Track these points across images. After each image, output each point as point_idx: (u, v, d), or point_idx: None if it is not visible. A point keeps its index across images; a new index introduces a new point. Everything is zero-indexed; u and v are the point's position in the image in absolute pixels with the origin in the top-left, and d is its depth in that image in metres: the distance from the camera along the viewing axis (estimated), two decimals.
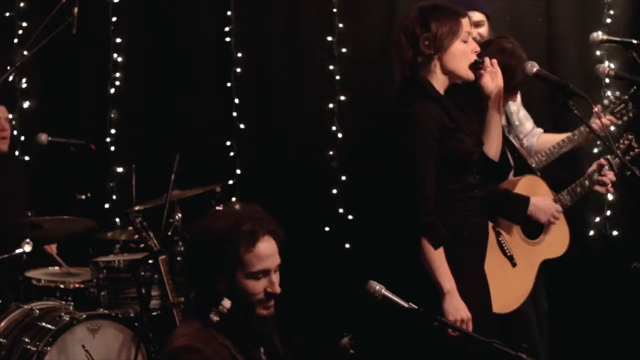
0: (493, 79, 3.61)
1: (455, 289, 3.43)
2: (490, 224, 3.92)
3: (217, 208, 5.15)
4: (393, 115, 3.61)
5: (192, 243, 2.79)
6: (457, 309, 3.42)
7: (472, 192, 3.58)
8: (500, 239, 3.94)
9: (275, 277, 2.72)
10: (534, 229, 4.11)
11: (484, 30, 4.63)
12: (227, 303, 2.65)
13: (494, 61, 3.61)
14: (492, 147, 3.68)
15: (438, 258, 3.43)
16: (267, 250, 2.68)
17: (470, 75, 3.59)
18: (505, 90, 3.72)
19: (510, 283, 3.92)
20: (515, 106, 4.63)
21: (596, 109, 4.30)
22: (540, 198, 4.00)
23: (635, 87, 4.39)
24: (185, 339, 2.65)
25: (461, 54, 3.56)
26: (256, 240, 2.66)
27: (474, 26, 4.32)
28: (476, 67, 3.58)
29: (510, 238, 3.98)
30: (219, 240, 2.65)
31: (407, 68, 3.59)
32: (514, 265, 3.95)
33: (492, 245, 3.90)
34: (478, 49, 3.62)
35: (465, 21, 3.58)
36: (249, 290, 2.66)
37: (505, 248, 3.94)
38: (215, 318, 2.66)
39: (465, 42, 3.57)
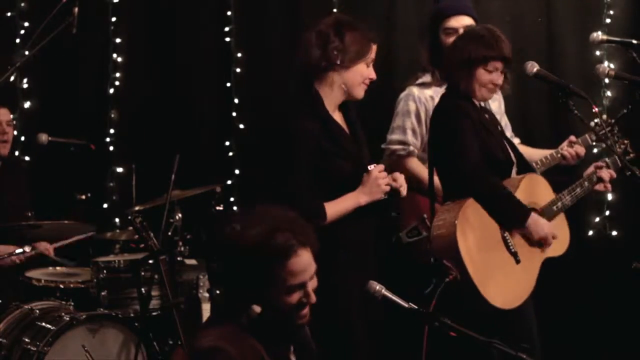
0: (377, 186, 3.65)
1: None
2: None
3: (217, 208, 5.15)
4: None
5: (221, 252, 2.63)
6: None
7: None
8: (505, 234, 3.93)
9: (312, 285, 2.60)
10: None
11: None
12: (257, 308, 2.54)
13: (401, 185, 3.70)
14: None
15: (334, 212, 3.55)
16: (301, 264, 2.54)
17: (359, 96, 3.71)
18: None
19: (514, 279, 3.92)
20: (498, 115, 4.62)
21: (592, 124, 4.32)
22: (543, 220, 3.98)
23: (624, 111, 4.44)
24: (211, 339, 2.56)
25: (360, 76, 3.68)
26: (290, 257, 2.52)
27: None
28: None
29: (515, 235, 3.97)
30: (251, 257, 2.52)
31: (308, 69, 3.65)
32: (517, 261, 3.94)
33: (497, 241, 3.91)
34: (374, 77, 3.71)
35: (374, 48, 3.69)
36: (283, 304, 2.55)
37: (510, 244, 3.93)
38: (245, 322, 2.57)
39: (367, 66, 3.68)
